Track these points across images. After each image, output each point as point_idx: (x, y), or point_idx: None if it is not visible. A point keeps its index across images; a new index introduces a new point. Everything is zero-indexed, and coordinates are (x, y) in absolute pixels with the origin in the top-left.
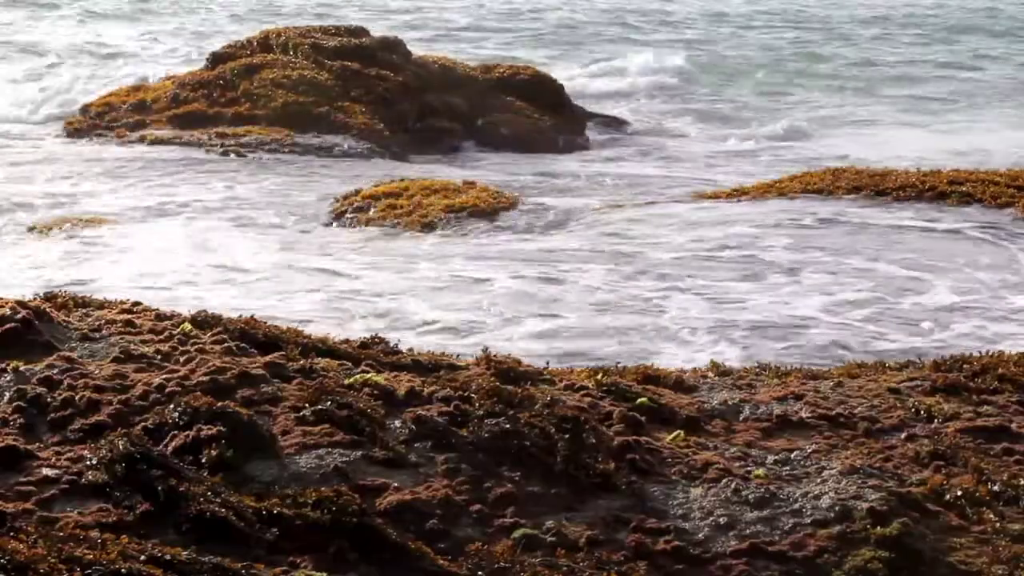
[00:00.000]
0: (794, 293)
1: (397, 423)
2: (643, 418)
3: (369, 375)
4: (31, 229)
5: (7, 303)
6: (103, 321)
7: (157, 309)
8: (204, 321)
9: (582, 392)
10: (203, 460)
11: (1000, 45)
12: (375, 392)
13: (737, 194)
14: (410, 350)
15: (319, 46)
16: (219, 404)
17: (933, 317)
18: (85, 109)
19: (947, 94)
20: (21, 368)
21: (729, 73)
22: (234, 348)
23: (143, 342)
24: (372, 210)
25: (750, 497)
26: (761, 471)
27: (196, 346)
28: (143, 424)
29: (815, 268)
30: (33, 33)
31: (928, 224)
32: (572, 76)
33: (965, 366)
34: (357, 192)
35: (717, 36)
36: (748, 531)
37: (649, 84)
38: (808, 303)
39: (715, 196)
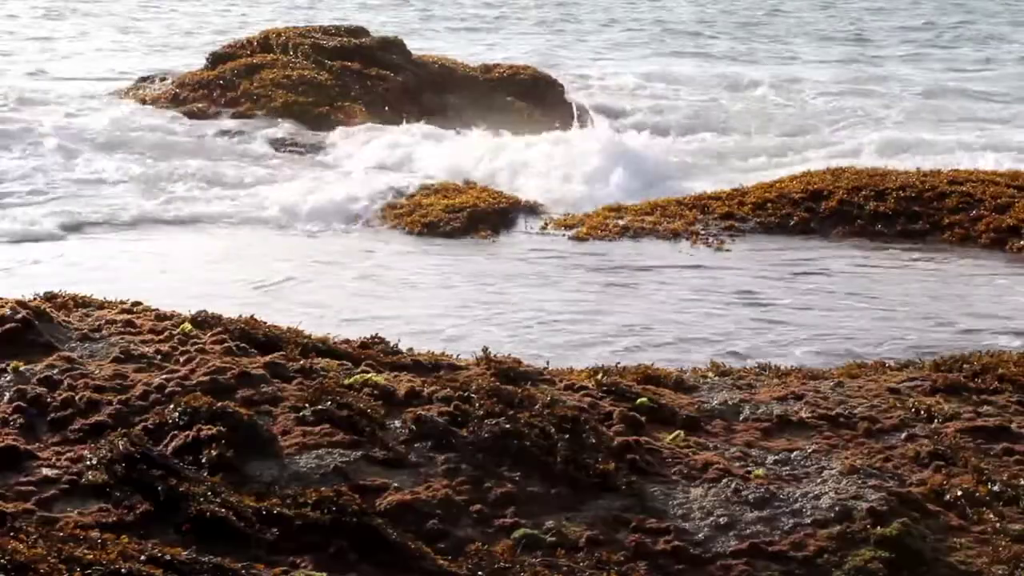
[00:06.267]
0: None
1: (397, 423)
2: (643, 418)
3: (369, 375)
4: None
5: (7, 303)
6: (103, 321)
7: (157, 309)
8: (204, 321)
9: (582, 392)
10: (203, 460)
11: None
12: (375, 392)
13: (737, 195)
14: (410, 350)
15: (319, 46)
16: (219, 404)
17: None
18: None
19: None
20: (21, 368)
21: None
22: (234, 348)
23: (143, 342)
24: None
25: (750, 497)
26: (761, 471)
27: (196, 346)
28: (143, 424)
29: None
30: None
31: None
32: None
33: (965, 366)
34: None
35: None
36: (748, 531)
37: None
38: None
39: (715, 197)
